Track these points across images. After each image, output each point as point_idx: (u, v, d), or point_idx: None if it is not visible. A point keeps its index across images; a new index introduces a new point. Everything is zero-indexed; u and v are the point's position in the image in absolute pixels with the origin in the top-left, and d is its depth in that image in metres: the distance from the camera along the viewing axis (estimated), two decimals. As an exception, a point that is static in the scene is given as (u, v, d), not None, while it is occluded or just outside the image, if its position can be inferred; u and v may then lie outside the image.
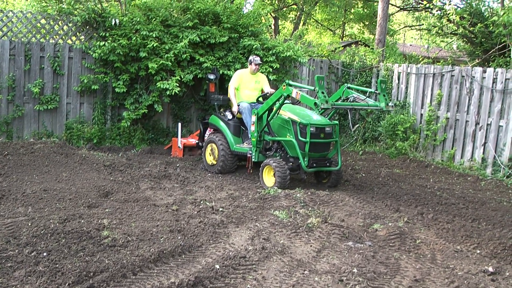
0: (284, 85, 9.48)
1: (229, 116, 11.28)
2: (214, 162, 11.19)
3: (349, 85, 9.88)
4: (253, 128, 10.32)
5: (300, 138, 9.61)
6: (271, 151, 10.45)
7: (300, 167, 9.80)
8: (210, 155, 11.31)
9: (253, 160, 10.54)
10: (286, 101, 9.85)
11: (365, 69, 16.16)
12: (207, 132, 12.07)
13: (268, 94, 10.72)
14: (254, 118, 10.26)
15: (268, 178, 9.91)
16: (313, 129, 9.56)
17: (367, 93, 10.19)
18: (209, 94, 12.54)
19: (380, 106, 9.26)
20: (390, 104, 9.31)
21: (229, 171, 11.12)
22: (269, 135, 10.42)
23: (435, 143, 13.33)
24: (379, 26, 18.56)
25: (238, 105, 11.15)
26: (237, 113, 11.20)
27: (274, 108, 9.89)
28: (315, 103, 8.68)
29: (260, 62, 11.60)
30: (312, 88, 9.39)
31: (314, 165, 9.75)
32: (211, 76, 12.52)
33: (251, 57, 11.50)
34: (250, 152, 10.61)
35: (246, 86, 11.44)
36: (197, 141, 12.59)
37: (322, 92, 8.69)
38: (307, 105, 9.61)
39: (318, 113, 9.91)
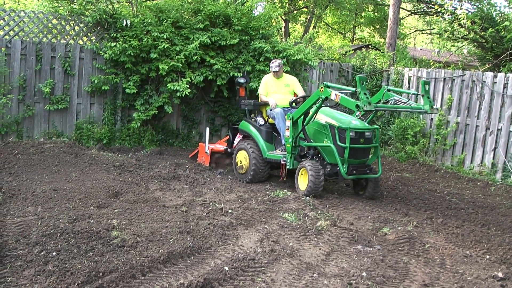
0: (322, 87, 8.84)
1: (261, 122, 10.69)
2: (245, 171, 10.56)
3: (389, 87, 9.32)
4: (287, 133, 9.70)
5: (339, 143, 9.01)
6: (307, 157, 9.74)
7: (338, 174, 9.17)
8: (241, 163, 10.67)
9: (287, 167, 9.87)
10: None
11: (375, 72, 16.14)
12: (236, 138, 11.50)
13: (299, 99, 10.47)
14: (289, 123, 9.65)
15: (303, 181, 9.30)
16: (353, 133, 8.99)
17: (409, 95, 9.81)
18: (239, 98, 11.76)
19: (424, 109, 8.73)
20: (434, 106, 8.78)
21: (260, 180, 10.47)
22: (305, 140, 9.77)
23: (445, 148, 13.29)
24: (390, 30, 18.57)
25: (271, 109, 10.54)
26: (268, 119, 10.68)
27: (311, 112, 9.31)
28: (357, 105, 8.10)
29: (276, 69, 10.80)
30: (353, 89, 9.00)
31: (354, 172, 9.12)
32: (241, 80, 11.81)
33: (271, 63, 11.00)
34: (284, 159, 9.94)
35: (276, 90, 10.83)
36: (225, 147, 11.91)
37: (365, 93, 8.11)
38: (345, 108, 9.36)
39: (357, 117, 9.50)
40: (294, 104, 10.43)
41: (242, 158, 10.65)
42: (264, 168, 10.44)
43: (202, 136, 14.53)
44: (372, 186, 9.45)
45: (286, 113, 10.05)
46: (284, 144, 9.96)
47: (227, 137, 12.22)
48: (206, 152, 11.87)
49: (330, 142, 9.20)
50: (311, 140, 9.68)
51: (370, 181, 9.46)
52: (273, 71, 10.83)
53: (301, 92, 10.89)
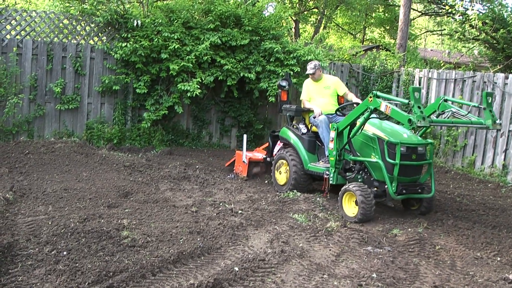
0: (370, 97, 7.89)
1: (303, 130, 9.88)
2: (284, 182, 9.84)
3: (446, 97, 8.36)
4: (331, 145, 8.70)
5: (387, 159, 8.06)
6: (352, 172, 8.78)
7: (386, 193, 8.23)
8: (280, 174, 9.96)
9: (330, 182, 8.90)
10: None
11: (386, 73, 16.10)
12: (277, 146, 10.65)
13: (347, 106, 9.47)
14: (333, 134, 8.65)
15: (349, 206, 8.23)
16: (404, 149, 8.00)
17: (469, 107, 8.81)
18: (280, 103, 10.76)
19: (485, 124, 7.62)
20: (497, 121, 7.65)
21: (301, 192, 9.50)
22: (350, 154, 8.84)
23: (456, 149, 13.23)
24: (400, 30, 18.52)
25: (314, 117, 9.69)
26: (311, 127, 9.89)
27: (358, 123, 8.32)
28: (409, 120, 7.13)
29: (310, 72, 9.99)
30: (406, 101, 7.98)
31: (404, 191, 8.11)
32: (284, 83, 10.69)
33: (307, 66, 10.23)
34: (327, 172, 9.01)
35: (318, 93, 10.06)
36: (264, 156, 11.03)
37: (419, 107, 7.14)
38: (395, 121, 8.34)
39: (409, 130, 8.52)
40: (340, 111, 9.43)
41: (282, 169, 9.97)
42: (305, 180, 9.67)
43: (213, 136, 14.55)
44: (427, 204, 8.55)
45: (331, 120, 9.36)
46: (328, 156, 9.08)
47: (267, 144, 11.29)
48: (243, 162, 10.97)
49: (378, 157, 8.28)
50: (357, 154, 8.77)
51: (423, 200, 8.54)
52: (309, 73, 10.05)
53: (348, 93, 10.11)
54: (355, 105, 9.08)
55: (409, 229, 7.60)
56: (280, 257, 6.13)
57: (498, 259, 6.67)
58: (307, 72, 10.07)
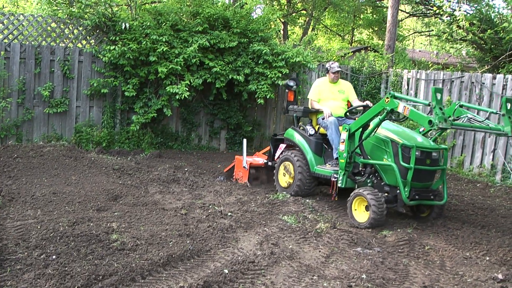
0: (387, 97, 7.66)
1: (311, 131, 9.60)
2: (288, 184, 9.61)
3: (461, 102, 8.11)
4: (342, 147, 8.38)
5: (402, 163, 7.83)
6: (362, 176, 8.52)
7: (398, 199, 8.01)
8: (284, 176, 9.72)
9: (339, 185, 8.58)
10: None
11: (374, 74, 16.13)
12: (278, 150, 10.28)
13: (358, 108, 9.25)
14: (344, 136, 8.35)
15: (359, 211, 8.03)
16: (419, 153, 7.81)
17: (487, 113, 8.42)
18: (287, 104, 10.58)
19: (504, 131, 7.35)
20: None
21: (305, 195, 9.43)
22: (361, 156, 8.52)
23: (444, 149, 13.26)
24: (388, 32, 18.58)
25: (323, 118, 9.46)
26: (318, 128, 9.63)
27: (372, 125, 8.13)
28: (430, 121, 6.96)
29: (338, 69, 9.82)
30: (426, 102, 7.85)
31: (417, 196, 7.90)
32: (291, 83, 10.51)
33: (327, 65, 9.93)
34: (335, 175, 8.73)
35: (329, 96, 9.77)
36: (265, 160, 10.68)
37: (440, 108, 6.96)
38: (417, 124, 8.11)
39: (421, 134, 8.38)
40: (349, 114, 9.34)
41: (286, 171, 9.73)
42: (311, 183, 9.42)
43: (202, 139, 14.52)
44: (436, 212, 8.40)
45: (340, 123, 9.10)
46: (336, 158, 8.91)
47: (268, 148, 11.00)
48: (244, 167, 10.60)
49: (391, 160, 8.05)
50: (368, 157, 8.47)
51: (434, 207, 8.38)
52: (334, 72, 9.79)
53: (355, 100, 9.89)
54: (366, 108, 8.86)
55: (399, 230, 7.63)
56: (269, 259, 6.13)
57: (487, 258, 6.70)
58: (335, 70, 9.76)
